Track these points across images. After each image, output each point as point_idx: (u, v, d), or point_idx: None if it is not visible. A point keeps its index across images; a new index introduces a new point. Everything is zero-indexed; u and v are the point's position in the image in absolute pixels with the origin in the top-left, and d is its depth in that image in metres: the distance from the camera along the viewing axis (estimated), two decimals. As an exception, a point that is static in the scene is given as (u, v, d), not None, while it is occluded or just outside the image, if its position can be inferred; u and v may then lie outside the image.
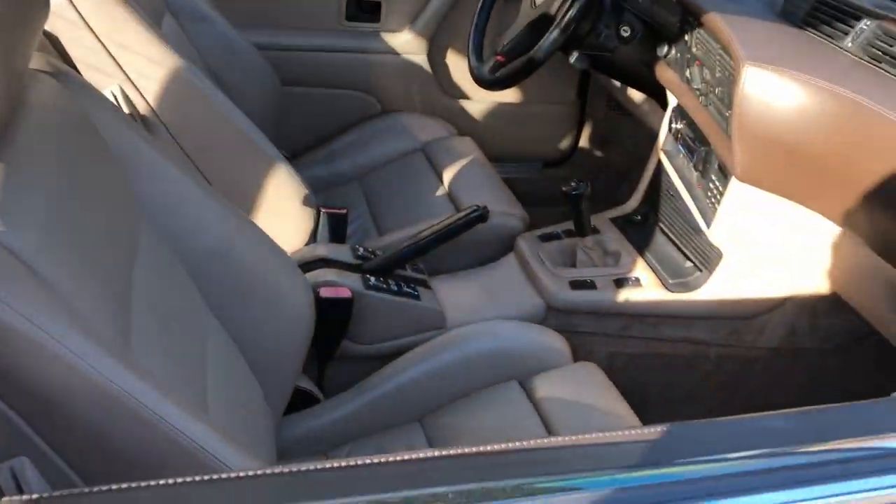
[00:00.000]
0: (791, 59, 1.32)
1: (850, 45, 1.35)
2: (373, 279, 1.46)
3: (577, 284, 1.58)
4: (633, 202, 1.83)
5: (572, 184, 1.59)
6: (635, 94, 2.05)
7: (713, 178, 1.53)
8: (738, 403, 1.71)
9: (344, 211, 1.60)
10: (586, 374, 1.41)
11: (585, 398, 1.36)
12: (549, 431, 1.27)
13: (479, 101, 2.29)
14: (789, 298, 1.57)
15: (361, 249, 1.55)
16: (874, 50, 1.29)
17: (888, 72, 1.25)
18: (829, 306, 1.62)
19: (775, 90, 1.28)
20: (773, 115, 1.30)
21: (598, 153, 2.45)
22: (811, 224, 1.42)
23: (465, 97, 2.28)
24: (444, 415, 1.35)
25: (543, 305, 1.57)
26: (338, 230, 1.57)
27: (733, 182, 1.43)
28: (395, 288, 1.47)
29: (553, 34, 1.60)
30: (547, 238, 1.71)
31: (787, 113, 1.28)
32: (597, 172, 2.35)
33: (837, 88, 1.24)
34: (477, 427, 1.31)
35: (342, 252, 1.51)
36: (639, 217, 1.79)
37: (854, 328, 1.63)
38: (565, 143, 2.42)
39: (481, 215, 1.52)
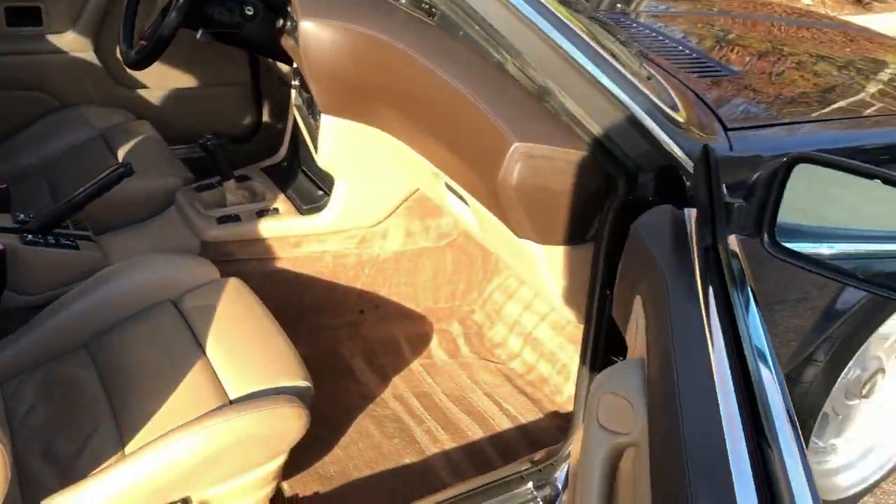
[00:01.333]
0: (341, 12, 1.69)
1: (404, 1, 1.75)
2: (30, 236, 1.68)
3: (223, 219, 1.90)
4: (282, 152, 2.18)
5: (207, 137, 1.90)
6: (284, 67, 2.40)
7: (317, 116, 1.89)
8: (383, 301, 2.10)
9: (4, 186, 1.80)
10: (231, 289, 1.71)
11: (228, 309, 1.65)
12: (197, 341, 1.54)
13: (157, 89, 2.54)
14: (399, 206, 1.97)
15: (22, 216, 1.76)
16: (421, 2, 1.68)
17: (427, 21, 1.63)
18: (434, 209, 2.04)
19: (325, 36, 1.64)
20: (330, 57, 1.66)
21: (279, 125, 2.78)
22: (395, 142, 1.81)
23: (143, 86, 2.52)
24: (106, 337, 1.59)
25: (197, 241, 1.87)
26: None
27: (322, 116, 1.79)
28: (53, 241, 1.70)
29: (171, 14, 1.89)
30: (202, 188, 2.02)
31: (339, 54, 1.65)
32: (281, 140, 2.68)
33: (376, 33, 1.62)
34: (134, 342, 1.57)
35: (2, 219, 1.72)
36: (285, 163, 2.14)
37: (462, 227, 2.06)
38: (248, 120, 2.72)
39: (126, 171, 1.78)
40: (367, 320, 2.07)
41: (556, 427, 1.85)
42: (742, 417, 0.75)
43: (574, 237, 1.39)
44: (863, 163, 0.95)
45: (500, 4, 1.22)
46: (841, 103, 1.70)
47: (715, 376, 0.80)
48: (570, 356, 1.97)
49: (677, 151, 1.24)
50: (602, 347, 1.41)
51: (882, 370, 1.97)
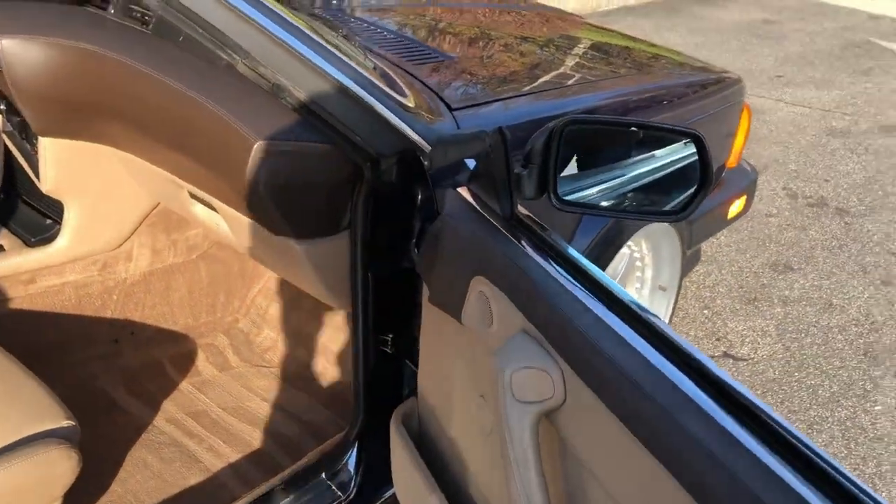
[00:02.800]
0: (44, 27, 1.57)
1: (113, 11, 1.66)
2: None
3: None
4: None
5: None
6: None
7: (33, 140, 1.75)
8: (139, 326, 2.00)
9: None
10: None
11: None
12: None
13: None
14: (140, 224, 1.88)
15: None
16: (132, 11, 1.60)
17: (141, 29, 1.56)
18: (179, 221, 1.98)
19: (30, 53, 1.52)
20: (38, 76, 1.54)
21: None
22: (127, 156, 1.72)
23: None
24: None
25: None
26: None
27: (40, 139, 1.66)
28: None
29: None
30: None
31: (48, 71, 1.54)
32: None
33: (86, 45, 1.52)
34: None
35: None
36: (1, 195, 1.95)
37: (211, 237, 2.01)
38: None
39: None
40: (123, 349, 1.96)
41: (340, 415, 1.88)
42: (656, 347, 0.84)
43: (329, 228, 1.42)
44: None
45: (218, 5, 1.21)
46: (546, 77, 1.89)
47: (611, 319, 0.89)
48: (342, 346, 2.01)
49: (413, 135, 1.32)
50: (371, 329, 1.47)
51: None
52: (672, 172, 1.16)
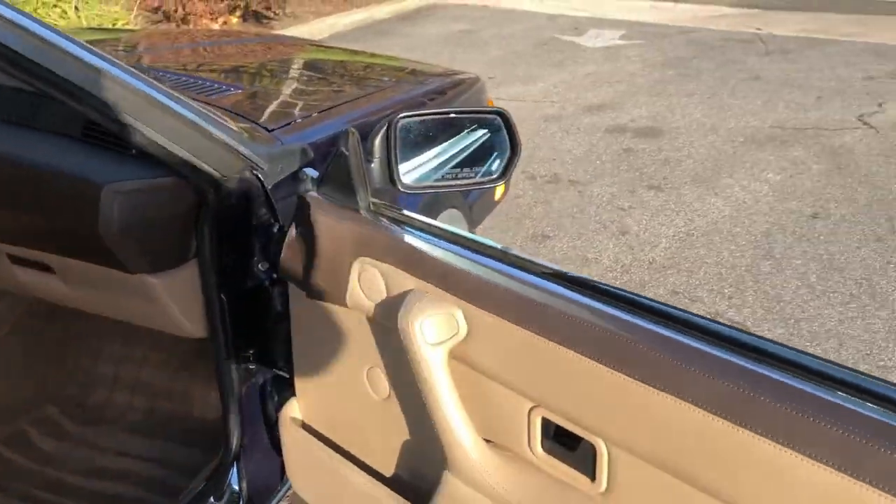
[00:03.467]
0: None
1: None
2: None
3: None
4: None
5: None
6: None
7: None
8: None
9: None
10: None
11: None
12: None
13: None
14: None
15: None
16: None
17: None
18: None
19: None
20: None
21: None
22: None
23: None
24: None
25: None
26: None
27: None
28: None
29: None
30: None
31: None
32: None
33: None
34: None
35: None
36: None
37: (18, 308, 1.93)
38: None
39: None
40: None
41: (202, 445, 1.91)
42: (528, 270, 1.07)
43: (180, 258, 1.49)
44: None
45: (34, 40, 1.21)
46: (327, 96, 2.08)
47: (484, 261, 1.09)
48: (188, 383, 2.03)
49: (250, 154, 1.44)
50: (233, 349, 1.55)
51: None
52: (487, 146, 1.40)
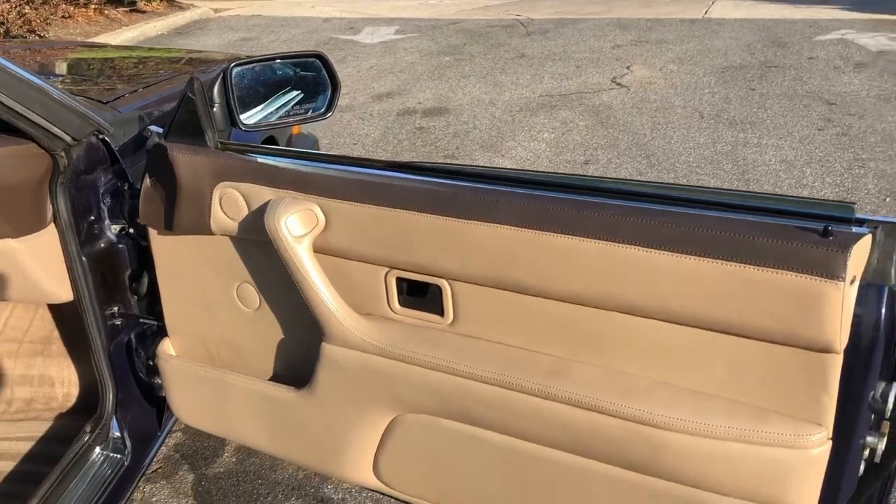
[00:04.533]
0: None
1: None
2: None
3: None
4: None
5: None
6: None
7: None
8: None
9: None
10: None
11: None
12: None
13: None
14: None
15: None
16: None
17: None
18: None
19: None
20: None
21: None
22: None
23: None
24: None
25: None
26: None
27: None
28: None
29: None
30: None
31: None
32: None
33: None
34: None
35: None
36: None
37: None
38: None
39: None
40: None
41: (74, 419, 1.99)
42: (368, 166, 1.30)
43: (42, 220, 1.60)
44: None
45: None
46: (133, 80, 2.22)
47: (326, 164, 1.32)
48: (43, 367, 2.09)
49: (97, 118, 1.59)
50: (98, 307, 1.68)
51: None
52: (312, 86, 1.65)
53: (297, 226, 1.33)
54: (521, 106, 5.63)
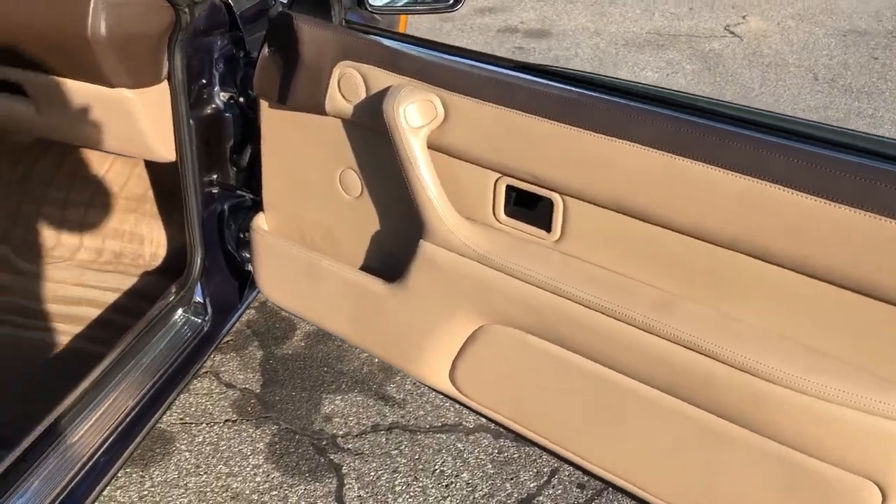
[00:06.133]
0: None
1: None
2: None
3: None
4: None
5: None
6: None
7: None
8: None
9: None
10: None
11: None
12: None
13: None
14: None
15: None
16: None
17: None
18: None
19: None
20: None
21: None
22: None
23: None
24: None
25: None
26: None
27: None
28: None
29: None
30: None
31: None
32: None
33: None
34: None
35: None
36: None
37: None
38: None
39: None
40: None
41: (159, 279, 2.04)
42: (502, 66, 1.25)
43: (157, 75, 1.60)
44: None
45: None
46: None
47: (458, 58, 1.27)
48: (135, 224, 2.14)
49: None
50: (197, 168, 1.68)
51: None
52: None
53: (415, 116, 1.29)
54: (626, 40, 5.42)
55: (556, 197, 1.23)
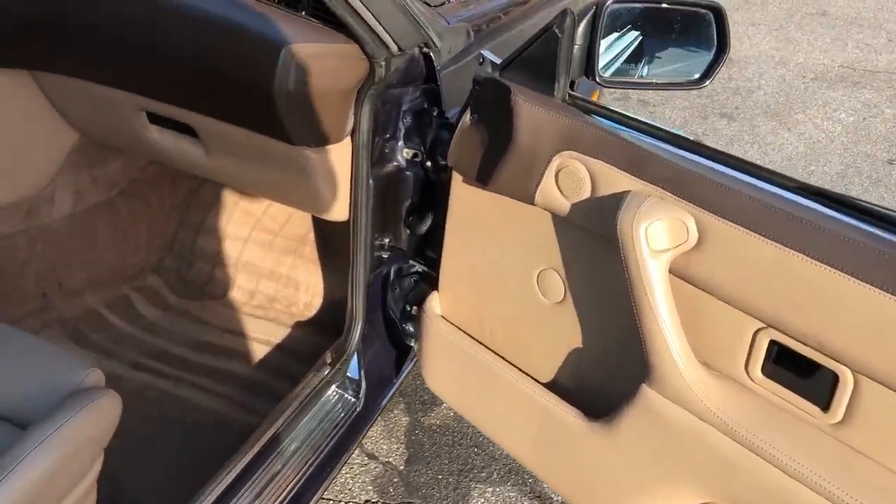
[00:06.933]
0: None
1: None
2: None
3: None
4: None
5: None
6: None
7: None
8: (67, 276, 1.81)
9: None
10: None
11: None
12: None
13: None
14: (64, 161, 1.69)
15: None
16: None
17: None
18: (97, 155, 1.80)
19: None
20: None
21: None
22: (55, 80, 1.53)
23: None
24: None
25: None
26: None
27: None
28: None
29: None
30: None
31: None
32: None
33: None
34: None
35: None
36: None
37: (130, 172, 1.85)
38: None
39: None
40: (54, 302, 1.78)
41: (310, 333, 1.87)
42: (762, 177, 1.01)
43: (339, 134, 1.40)
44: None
45: None
46: None
47: (715, 165, 1.03)
48: (291, 267, 1.98)
49: (429, 29, 1.33)
50: (370, 229, 1.47)
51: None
52: (690, 45, 1.30)
53: (660, 236, 1.02)
54: (815, 73, 4.91)
55: (844, 371, 0.93)
